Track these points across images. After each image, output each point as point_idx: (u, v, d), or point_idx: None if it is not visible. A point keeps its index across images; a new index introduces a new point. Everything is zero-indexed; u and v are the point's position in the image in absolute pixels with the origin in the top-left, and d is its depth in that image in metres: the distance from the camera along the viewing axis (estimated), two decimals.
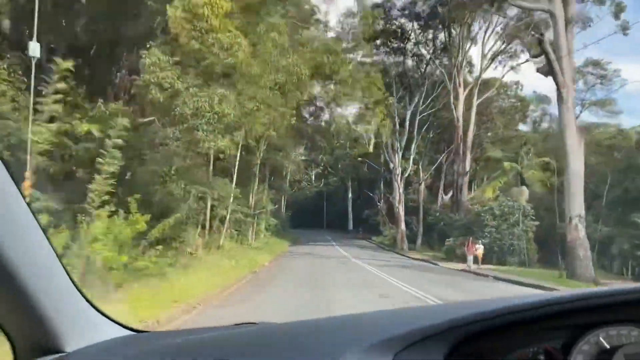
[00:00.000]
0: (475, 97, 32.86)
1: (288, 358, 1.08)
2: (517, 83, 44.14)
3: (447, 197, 44.15)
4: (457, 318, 1.07)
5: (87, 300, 1.40)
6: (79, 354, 1.28)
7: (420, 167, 40.34)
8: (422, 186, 41.53)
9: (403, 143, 38.83)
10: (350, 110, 40.71)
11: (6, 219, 1.07)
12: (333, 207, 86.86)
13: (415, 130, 37.90)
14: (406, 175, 40.02)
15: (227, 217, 24.01)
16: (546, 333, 1.17)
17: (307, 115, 52.09)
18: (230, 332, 1.47)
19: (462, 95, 33.11)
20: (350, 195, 74.83)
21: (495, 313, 1.07)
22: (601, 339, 1.15)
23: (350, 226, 73.68)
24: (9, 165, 1.09)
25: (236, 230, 28.94)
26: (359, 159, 59.38)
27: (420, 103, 38.52)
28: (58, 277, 1.29)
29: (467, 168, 32.12)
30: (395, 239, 41.45)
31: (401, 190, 39.82)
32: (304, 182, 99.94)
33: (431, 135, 40.55)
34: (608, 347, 1.13)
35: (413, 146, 38.52)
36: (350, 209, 74.24)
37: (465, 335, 1.05)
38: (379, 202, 54.91)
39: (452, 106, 32.99)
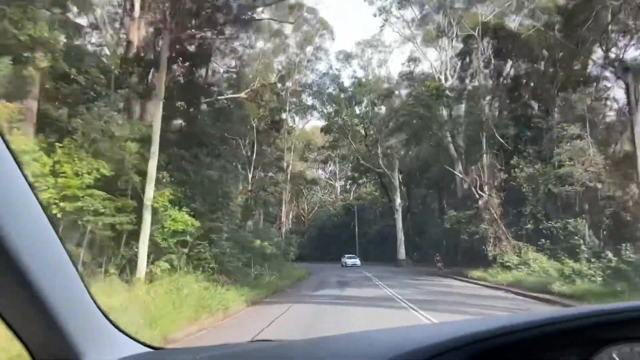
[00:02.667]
0: None
1: None
2: None
3: None
4: (472, 334, 1.07)
5: (107, 317, 1.40)
6: None
7: None
8: None
9: None
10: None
11: (27, 236, 1.06)
12: (368, 227, 56.52)
13: None
14: None
15: None
16: (560, 349, 1.15)
17: None
18: (247, 349, 1.54)
19: None
20: (398, 201, 44.15)
21: (510, 329, 1.08)
22: (614, 355, 1.14)
23: (402, 254, 42.95)
24: (33, 185, 1.07)
25: None
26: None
27: None
28: (79, 294, 1.29)
29: None
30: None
31: None
32: (322, 193, 70.06)
33: None
34: None
35: None
36: (400, 225, 43.45)
37: (480, 351, 1.04)
38: (479, 190, 24.16)
39: None
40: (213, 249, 14.71)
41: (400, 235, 43.19)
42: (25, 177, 1.06)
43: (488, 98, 24.68)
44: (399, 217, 43.69)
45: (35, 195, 1.08)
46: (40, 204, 1.10)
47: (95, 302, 1.35)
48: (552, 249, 21.70)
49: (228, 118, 27.45)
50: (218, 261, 14.35)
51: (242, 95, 27.72)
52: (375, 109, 45.35)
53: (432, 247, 42.59)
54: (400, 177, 46.51)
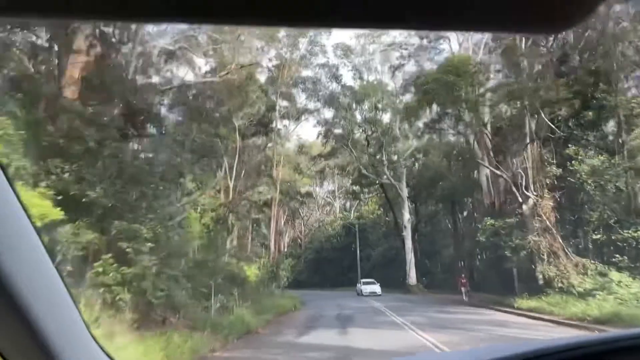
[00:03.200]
0: None
1: None
2: None
3: None
4: None
5: (100, 347, 1.32)
6: None
7: None
8: None
9: None
10: None
11: (20, 260, 1.03)
12: (371, 249, 50.50)
13: None
14: None
15: None
16: None
17: None
18: None
19: None
20: (407, 216, 38.34)
21: (524, 356, 1.09)
22: None
23: (413, 278, 36.81)
24: (22, 202, 1.05)
25: None
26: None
27: None
28: (72, 321, 1.23)
29: None
30: None
31: None
32: (321, 212, 64.15)
33: None
34: None
35: None
36: (409, 245, 37.50)
37: None
38: (523, 190, 18.40)
39: None
40: (132, 268, 8.83)
41: (410, 257, 37.18)
42: (21, 203, 1.02)
43: (527, 71, 19.08)
44: (408, 235, 37.78)
45: (19, 199, 1.04)
46: (24, 208, 1.05)
47: (90, 332, 1.27)
48: (631, 268, 15.84)
49: (199, 110, 22.04)
50: (133, 289, 8.40)
51: (216, 79, 22.23)
52: (379, 113, 40.20)
53: (445, 271, 36.92)
54: (407, 191, 41.00)
